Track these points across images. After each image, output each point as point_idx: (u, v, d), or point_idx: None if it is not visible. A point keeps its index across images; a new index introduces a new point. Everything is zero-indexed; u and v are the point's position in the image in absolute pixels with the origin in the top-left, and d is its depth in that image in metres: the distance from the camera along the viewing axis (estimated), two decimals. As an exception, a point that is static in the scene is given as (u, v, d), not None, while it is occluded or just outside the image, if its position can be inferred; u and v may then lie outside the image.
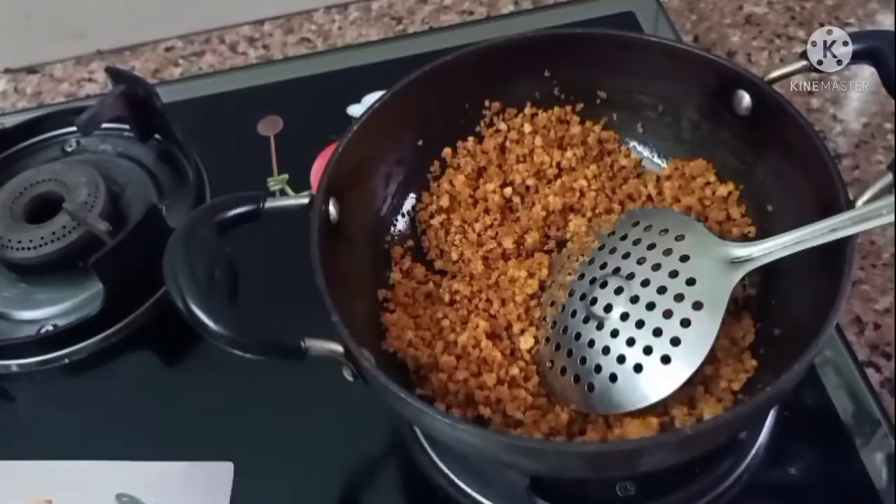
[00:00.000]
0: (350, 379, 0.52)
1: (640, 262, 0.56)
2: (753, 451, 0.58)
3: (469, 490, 0.58)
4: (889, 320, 0.66)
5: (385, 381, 0.49)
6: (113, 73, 0.79)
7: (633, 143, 0.68)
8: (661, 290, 0.54)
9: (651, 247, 0.57)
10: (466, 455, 0.56)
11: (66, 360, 0.69)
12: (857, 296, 0.67)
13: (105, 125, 0.80)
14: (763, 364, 0.56)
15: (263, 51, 0.94)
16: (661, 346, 0.53)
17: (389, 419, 0.62)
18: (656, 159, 0.68)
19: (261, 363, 0.50)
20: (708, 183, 0.64)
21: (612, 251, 0.59)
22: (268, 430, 0.63)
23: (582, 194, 0.66)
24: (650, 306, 0.54)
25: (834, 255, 0.51)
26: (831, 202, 0.52)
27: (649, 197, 0.65)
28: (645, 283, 0.55)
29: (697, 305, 0.53)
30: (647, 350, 0.53)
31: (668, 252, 0.56)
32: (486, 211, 0.66)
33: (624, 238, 0.59)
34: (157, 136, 0.80)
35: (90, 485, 0.62)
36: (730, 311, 0.59)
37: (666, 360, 0.53)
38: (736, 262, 0.54)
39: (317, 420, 0.63)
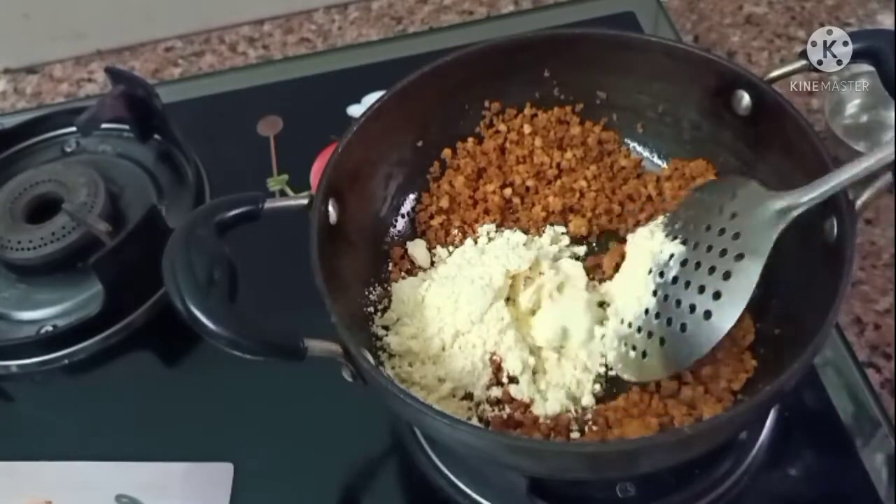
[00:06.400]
0: (349, 379, 0.52)
1: (696, 226, 0.57)
2: (754, 452, 0.58)
3: (469, 491, 0.58)
4: (889, 321, 0.66)
5: (385, 382, 0.50)
6: (113, 74, 0.79)
7: (633, 144, 0.68)
8: (709, 248, 0.55)
9: (707, 209, 0.57)
10: (466, 456, 0.56)
11: (66, 361, 0.69)
12: (857, 296, 0.67)
13: (105, 125, 0.80)
14: (763, 364, 0.56)
15: (263, 51, 0.94)
16: (704, 302, 0.53)
17: (389, 419, 0.62)
18: (656, 160, 0.68)
19: (261, 363, 0.50)
20: (708, 183, 0.64)
21: (677, 223, 0.59)
22: (268, 430, 0.63)
23: (582, 195, 0.66)
24: (697, 266, 0.55)
25: (834, 255, 0.51)
26: (831, 202, 0.52)
27: (649, 197, 0.65)
28: (696, 246, 0.56)
29: (739, 257, 0.53)
30: (692, 308, 0.54)
31: (720, 211, 0.56)
32: (486, 212, 0.66)
33: (689, 208, 0.59)
34: (156, 136, 0.80)
35: (90, 485, 0.62)
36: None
37: (707, 315, 0.53)
38: (781, 212, 0.53)
39: (317, 420, 0.63)
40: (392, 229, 0.66)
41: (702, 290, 0.54)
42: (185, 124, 0.78)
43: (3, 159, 0.82)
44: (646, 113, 0.67)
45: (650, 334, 0.56)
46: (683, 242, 0.57)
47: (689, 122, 0.65)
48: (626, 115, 0.67)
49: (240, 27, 0.97)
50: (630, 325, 0.58)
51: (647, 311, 0.57)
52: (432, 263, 0.65)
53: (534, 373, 0.58)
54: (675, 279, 0.56)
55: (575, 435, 0.55)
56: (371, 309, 0.61)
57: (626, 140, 0.68)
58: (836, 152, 0.72)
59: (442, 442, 0.55)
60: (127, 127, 0.80)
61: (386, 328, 0.61)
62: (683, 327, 0.54)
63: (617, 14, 0.86)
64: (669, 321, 0.55)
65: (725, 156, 0.64)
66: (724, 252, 0.54)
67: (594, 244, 0.65)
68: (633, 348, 0.57)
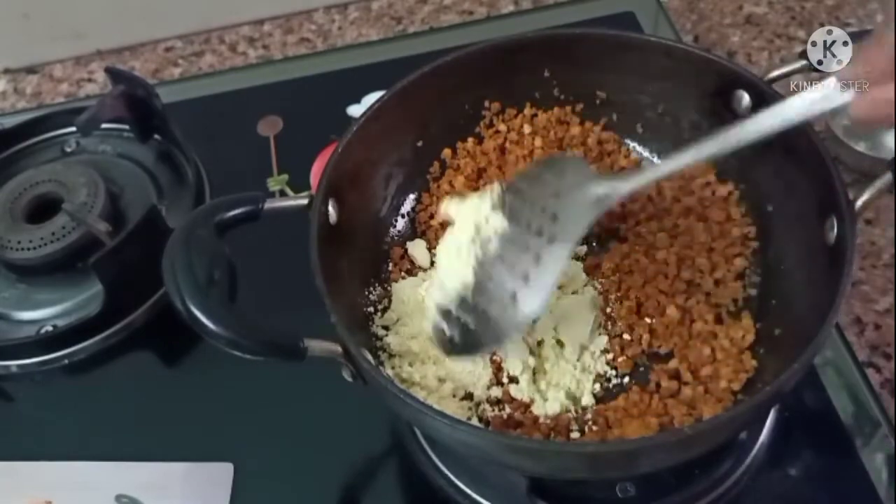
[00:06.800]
0: (349, 379, 0.52)
1: (524, 201, 0.55)
2: (754, 452, 0.58)
3: (469, 491, 0.58)
4: (889, 321, 0.66)
5: (385, 382, 0.50)
6: (113, 73, 0.79)
7: (632, 144, 0.68)
8: (528, 226, 0.53)
9: (539, 184, 0.55)
10: (466, 456, 0.56)
11: (66, 361, 0.69)
12: (857, 296, 0.67)
13: (105, 125, 0.80)
14: (763, 364, 0.56)
15: (263, 51, 0.94)
16: (513, 283, 0.52)
17: (389, 419, 0.63)
18: (656, 160, 0.68)
19: (261, 364, 0.50)
20: (708, 183, 0.64)
21: (508, 195, 0.56)
22: (268, 430, 0.63)
23: (582, 195, 0.65)
24: (516, 242, 0.53)
25: (834, 255, 0.51)
26: (831, 202, 0.53)
27: (649, 197, 0.65)
28: (519, 222, 0.54)
29: (551, 240, 0.52)
30: (502, 286, 0.52)
31: (547, 187, 0.54)
32: (486, 211, 0.66)
33: (523, 181, 0.57)
34: (156, 136, 0.80)
35: (90, 485, 0.62)
36: (730, 311, 0.59)
37: (513, 297, 0.52)
38: (599, 200, 0.52)
39: (317, 420, 0.63)
40: (392, 229, 0.66)
41: (513, 268, 0.52)
42: (185, 124, 0.78)
43: (3, 159, 0.82)
44: (646, 113, 0.67)
45: (464, 311, 0.54)
46: (510, 217, 0.55)
47: (689, 122, 0.65)
48: (626, 115, 0.67)
49: (240, 27, 0.97)
50: (451, 297, 0.55)
51: (464, 286, 0.54)
52: (432, 263, 0.65)
53: (534, 373, 0.58)
54: (495, 255, 0.54)
55: (575, 435, 0.55)
56: (371, 309, 0.61)
57: (626, 140, 0.68)
58: (836, 152, 0.72)
59: (442, 442, 0.55)
60: (127, 127, 0.80)
61: (386, 328, 0.61)
62: (493, 308, 0.52)
63: (617, 14, 0.86)
64: (482, 300, 0.53)
65: (725, 156, 0.63)
66: (540, 232, 0.52)
67: (594, 244, 0.65)
68: (447, 323, 0.55)
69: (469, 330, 0.53)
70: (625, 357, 0.58)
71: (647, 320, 0.59)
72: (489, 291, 0.53)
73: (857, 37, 0.56)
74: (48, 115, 0.84)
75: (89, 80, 0.94)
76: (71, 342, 0.69)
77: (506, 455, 0.50)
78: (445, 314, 0.55)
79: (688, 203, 0.63)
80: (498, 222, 0.55)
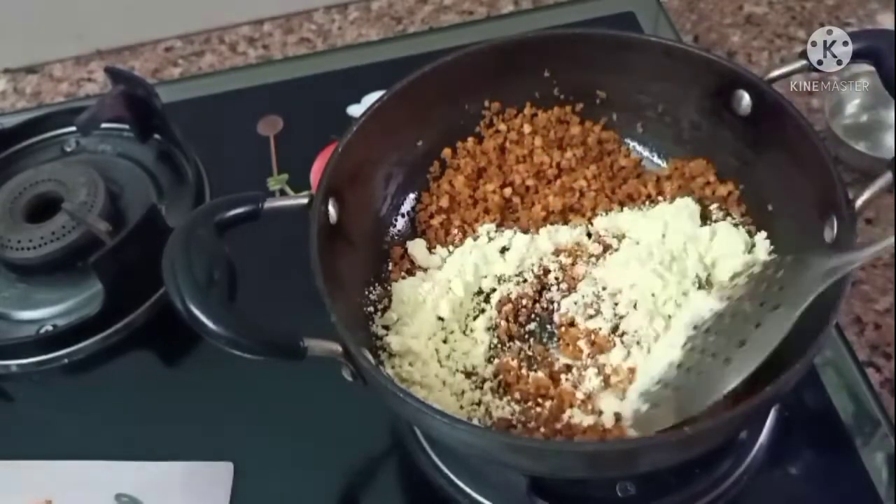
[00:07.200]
0: (349, 379, 0.52)
1: (745, 284, 0.55)
2: (754, 452, 0.58)
3: (469, 490, 0.58)
4: (889, 320, 0.66)
5: (385, 381, 0.50)
6: (112, 73, 0.79)
7: (633, 144, 0.68)
8: (750, 299, 0.53)
9: (763, 268, 0.55)
10: (466, 455, 0.56)
11: (66, 360, 0.69)
12: (857, 296, 0.67)
13: (104, 125, 0.80)
14: (763, 364, 0.56)
15: (263, 51, 0.94)
16: (726, 349, 0.51)
17: (389, 419, 0.63)
18: (656, 159, 0.68)
19: (260, 363, 0.50)
20: (708, 183, 0.64)
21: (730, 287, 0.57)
22: (268, 430, 0.63)
23: (582, 194, 0.66)
24: (733, 316, 0.53)
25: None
26: (831, 202, 0.53)
27: (649, 197, 0.65)
28: (737, 300, 0.54)
29: (775, 307, 0.51)
30: (713, 356, 0.52)
31: (770, 268, 0.54)
32: (486, 211, 0.66)
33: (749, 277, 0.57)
34: (156, 136, 0.80)
35: (90, 485, 0.62)
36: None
37: (727, 361, 0.51)
38: (832, 270, 0.50)
39: (317, 420, 0.63)
40: (392, 229, 0.66)
41: (729, 338, 0.52)
42: (185, 124, 0.78)
43: (3, 159, 0.82)
44: (646, 113, 0.67)
45: (666, 385, 0.54)
46: (728, 298, 0.55)
47: (689, 122, 0.65)
48: (626, 115, 0.67)
49: (240, 27, 0.97)
50: (657, 381, 0.55)
51: (669, 364, 0.55)
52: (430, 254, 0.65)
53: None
54: (706, 331, 0.54)
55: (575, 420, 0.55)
56: (371, 309, 0.61)
57: (626, 140, 0.68)
58: (836, 152, 0.72)
59: (442, 442, 0.55)
60: (127, 127, 0.80)
61: (386, 328, 0.61)
62: (699, 374, 0.52)
63: (617, 14, 0.86)
64: (689, 370, 0.53)
65: (725, 156, 0.64)
66: (762, 303, 0.52)
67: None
68: (647, 402, 0.54)
69: (671, 396, 0.53)
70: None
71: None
72: (698, 363, 0.53)
73: (856, 37, 0.57)
74: (48, 115, 0.84)
75: (89, 80, 0.94)
76: (71, 342, 0.69)
77: (506, 454, 0.50)
78: (646, 394, 0.54)
79: (688, 203, 0.63)
80: (714, 304, 0.55)
